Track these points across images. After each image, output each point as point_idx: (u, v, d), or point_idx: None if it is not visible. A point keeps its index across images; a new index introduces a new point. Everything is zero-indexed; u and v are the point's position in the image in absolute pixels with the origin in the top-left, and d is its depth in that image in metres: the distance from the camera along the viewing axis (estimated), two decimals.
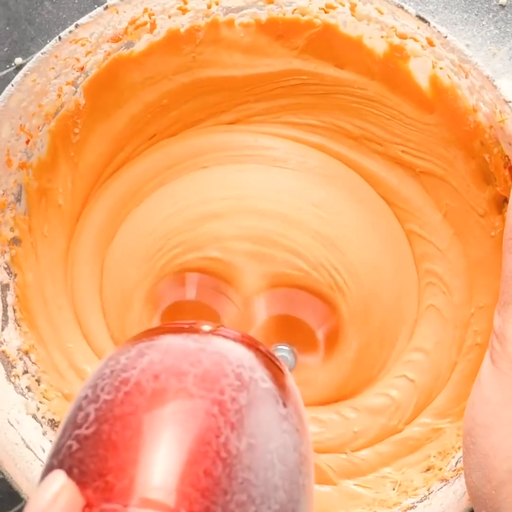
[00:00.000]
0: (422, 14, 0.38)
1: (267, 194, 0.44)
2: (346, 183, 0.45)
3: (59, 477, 0.24)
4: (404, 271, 0.46)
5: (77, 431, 0.25)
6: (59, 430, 0.26)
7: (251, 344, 0.29)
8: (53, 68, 0.41)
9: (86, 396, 0.26)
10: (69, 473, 0.24)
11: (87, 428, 0.25)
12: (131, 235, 0.46)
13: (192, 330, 0.29)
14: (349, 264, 0.44)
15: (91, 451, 0.24)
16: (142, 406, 0.25)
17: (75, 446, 0.25)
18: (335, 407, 0.46)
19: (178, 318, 0.47)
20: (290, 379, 0.30)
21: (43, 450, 0.42)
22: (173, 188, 0.46)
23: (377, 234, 0.45)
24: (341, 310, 0.43)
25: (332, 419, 0.45)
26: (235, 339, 0.29)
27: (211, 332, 0.29)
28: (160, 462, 0.24)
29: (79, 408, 0.26)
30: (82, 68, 0.42)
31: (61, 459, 0.25)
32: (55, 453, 0.25)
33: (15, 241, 0.44)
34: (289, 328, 0.45)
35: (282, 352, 0.42)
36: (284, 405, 0.27)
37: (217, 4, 0.41)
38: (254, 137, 0.46)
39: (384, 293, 0.45)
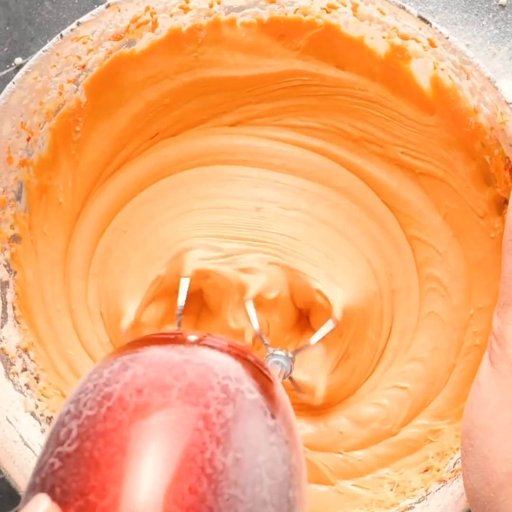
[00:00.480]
0: (422, 15, 0.38)
1: (267, 203, 0.45)
2: (349, 191, 0.46)
3: (43, 502, 0.23)
4: (404, 282, 0.46)
5: (59, 448, 0.25)
6: (43, 446, 0.26)
7: (238, 353, 0.29)
8: (54, 65, 0.41)
9: (68, 412, 0.26)
10: (52, 492, 0.24)
11: (69, 445, 0.25)
12: (129, 241, 0.46)
13: (178, 340, 0.29)
14: (341, 279, 0.44)
15: (73, 469, 0.24)
16: (125, 422, 0.24)
17: (57, 464, 0.24)
18: (322, 418, 0.46)
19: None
20: (280, 388, 0.30)
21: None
22: (172, 191, 0.46)
23: (377, 246, 0.46)
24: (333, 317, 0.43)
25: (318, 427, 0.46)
26: (221, 349, 0.29)
27: (197, 342, 0.29)
28: (144, 480, 0.23)
29: (62, 424, 0.26)
30: (83, 66, 0.42)
31: (43, 478, 0.24)
32: (38, 471, 0.25)
33: (15, 238, 0.44)
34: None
35: (278, 357, 0.41)
36: (272, 416, 0.27)
37: (219, 3, 0.41)
38: (256, 142, 0.46)
39: (379, 307, 0.46)
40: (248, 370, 0.28)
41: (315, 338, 0.43)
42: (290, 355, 0.41)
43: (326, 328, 0.43)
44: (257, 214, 0.45)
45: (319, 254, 0.44)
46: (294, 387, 0.43)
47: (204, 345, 0.29)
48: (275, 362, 0.40)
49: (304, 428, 0.45)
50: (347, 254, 0.45)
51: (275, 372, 0.39)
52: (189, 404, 0.25)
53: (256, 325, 0.43)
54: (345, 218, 0.45)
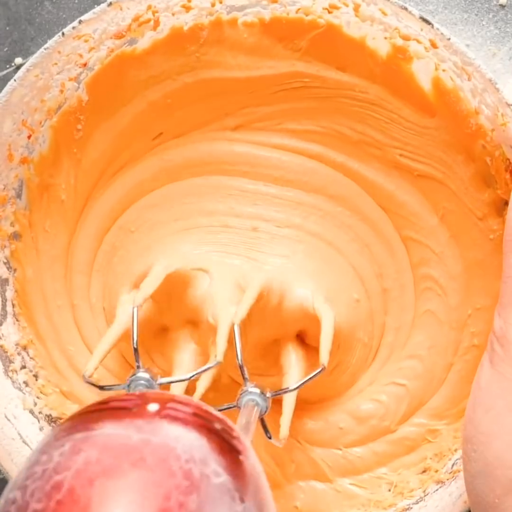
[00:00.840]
0: (423, 15, 0.38)
1: (263, 223, 0.45)
2: (344, 198, 0.46)
3: None
4: (397, 281, 0.46)
5: None
6: None
7: (203, 424, 0.26)
8: (56, 63, 0.41)
9: (14, 500, 0.23)
10: None
11: None
12: (135, 241, 0.46)
13: (136, 413, 0.26)
14: (331, 296, 0.43)
15: None
16: None
17: None
18: (322, 414, 0.46)
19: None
20: (251, 457, 0.27)
21: None
22: (179, 200, 0.46)
23: (366, 251, 0.46)
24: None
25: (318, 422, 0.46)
26: (185, 421, 0.26)
27: (158, 413, 0.26)
28: None
29: None
30: (85, 64, 0.42)
31: None
32: None
33: (15, 236, 0.44)
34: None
35: (253, 395, 0.38)
36: (241, 499, 0.24)
37: (220, 2, 0.41)
38: (255, 150, 0.46)
39: (367, 309, 0.46)
40: (215, 446, 0.25)
41: (296, 384, 0.40)
42: (268, 395, 0.38)
43: (311, 375, 0.39)
44: (253, 234, 0.45)
45: (308, 270, 0.44)
46: (262, 428, 0.39)
47: (166, 416, 0.26)
48: (250, 400, 0.37)
49: (305, 423, 0.45)
50: (335, 266, 0.45)
51: (249, 411, 0.36)
52: (148, 498, 0.22)
53: (240, 355, 0.39)
54: (336, 227, 0.45)
